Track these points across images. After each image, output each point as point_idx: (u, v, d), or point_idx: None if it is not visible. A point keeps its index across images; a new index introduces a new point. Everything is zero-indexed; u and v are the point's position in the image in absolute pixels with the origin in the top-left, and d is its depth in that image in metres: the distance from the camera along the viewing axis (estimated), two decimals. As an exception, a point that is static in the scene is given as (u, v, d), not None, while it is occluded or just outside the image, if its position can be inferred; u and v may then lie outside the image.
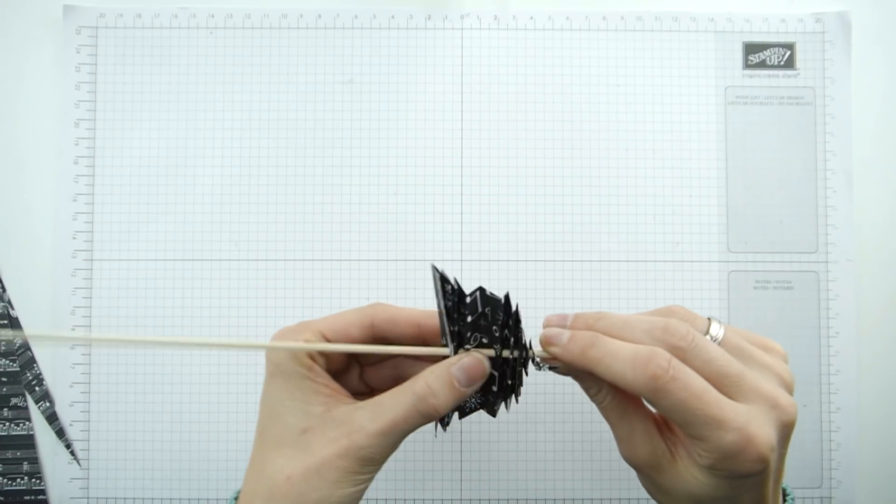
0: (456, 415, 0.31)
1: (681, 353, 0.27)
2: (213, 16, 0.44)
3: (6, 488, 0.43)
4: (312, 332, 0.30)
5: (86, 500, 0.43)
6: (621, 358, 0.27)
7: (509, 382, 0.30)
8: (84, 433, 0.43)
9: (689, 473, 0.28)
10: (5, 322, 0.43)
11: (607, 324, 0.30)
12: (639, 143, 0.44)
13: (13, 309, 0.43)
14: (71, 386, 0.43)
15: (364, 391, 0.34)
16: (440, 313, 0.31)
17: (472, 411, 0.31)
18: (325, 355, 0.31)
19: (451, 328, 0.29)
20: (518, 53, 0.44)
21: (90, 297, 0.43)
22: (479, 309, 0.29)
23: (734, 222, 0.44)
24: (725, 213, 0.44)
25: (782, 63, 0.44)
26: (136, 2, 0.44)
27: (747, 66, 0.44)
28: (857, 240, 0.44)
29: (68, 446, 0.43)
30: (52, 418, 0.43)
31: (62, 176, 0.43)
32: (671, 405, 0.26)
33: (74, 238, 0.43)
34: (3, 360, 0.43)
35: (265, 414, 0.30)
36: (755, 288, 0.44)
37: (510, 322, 0.30)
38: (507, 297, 0.30)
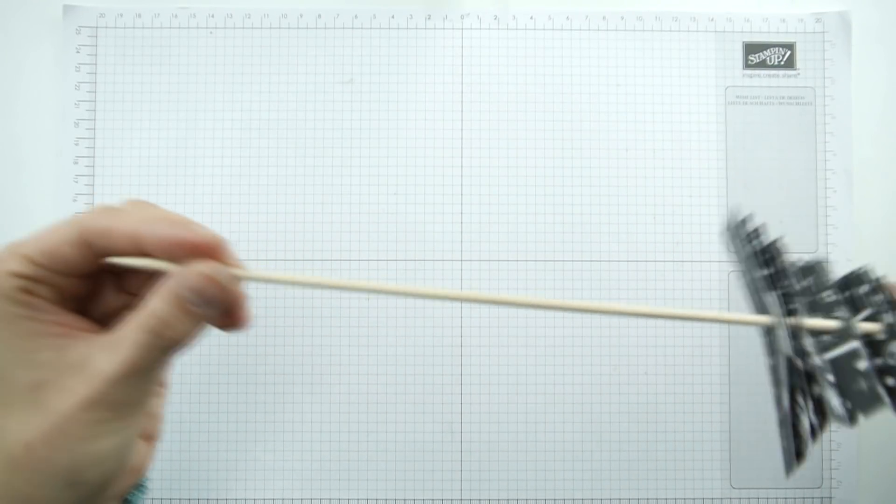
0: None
1: None
2: (213, 16, 0.44)
3: None
4: (17, 258, 0.24)
5: (86, 500, 0.43)
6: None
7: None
8: (84, 433, 0.43)
9: None
10: (5, 322, 0.43)
11: None
12: (639, 143, 0.44)
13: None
14: (71, 386, 0.43)
15: (131, 305, 0.26)
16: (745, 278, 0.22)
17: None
18: (51, 283, 0.25)
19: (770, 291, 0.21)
20: (518, 53, 0.44)
21: (90, 297, 0.43)
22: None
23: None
24: (725, 213, 0.44)
25: (782, 63, 0.44)
26: (136, 2, 0.44)
27: (747, 66, 0.44)
28: (857, 240, 0.44)
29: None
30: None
31: (62, 176, 0.43)
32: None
33: (74, 238, 0.43)
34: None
35: None
36: (755, 288, 0.44)
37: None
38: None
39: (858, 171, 0.44)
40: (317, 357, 0.43)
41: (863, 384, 0.19)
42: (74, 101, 0.44)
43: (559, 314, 0.44)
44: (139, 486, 0.31)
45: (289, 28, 0.44)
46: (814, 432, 0.20)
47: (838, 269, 0.22)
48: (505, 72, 0.44)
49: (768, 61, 0.44)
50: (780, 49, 0.44)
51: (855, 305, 0.21)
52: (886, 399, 0.19)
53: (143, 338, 0.24)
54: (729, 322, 0.22)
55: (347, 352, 0.43)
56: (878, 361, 0.20)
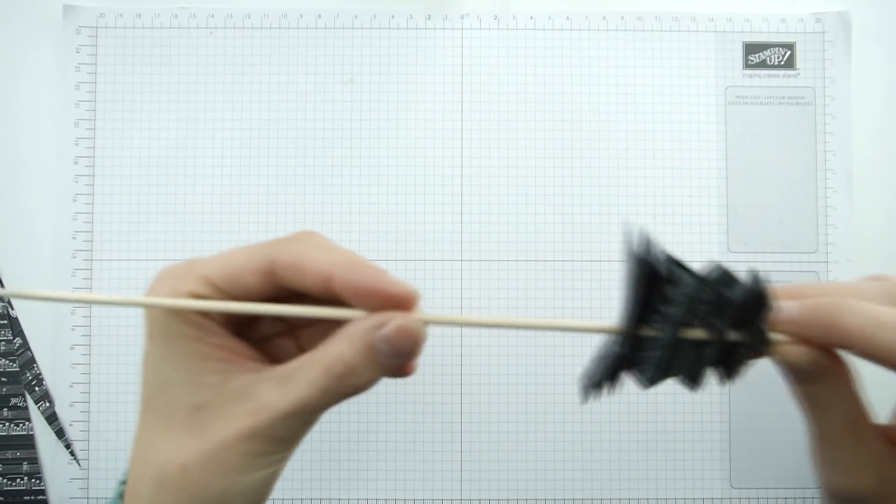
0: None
1: None
2: (213, 16, 0.44)
3: (6, 488, 0.43)
4: (197, 278, 0.23)
5: (86, 501, 0.43)
6: (891, 326, 0.20)
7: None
8: (84, 433, 0.43)
9: None
10: (5, 322, 0.43)
11: (832, 291, 0.23)
12: (639, 143, 0.44)
13: (13, 309, 0.43)
14: (71, 386, 0.43)
15: (285, 332, 0.27)
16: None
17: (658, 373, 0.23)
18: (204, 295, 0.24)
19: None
20: (518, 53, 0.44)
21: (90, 297, 0.43)
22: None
23: (734, 222, 0.44)
24: (725, 213, 0.44)
25: (782, 63, 0.44)
26: (136, 2, 0.44)
27: (747, 66, 0.44)
28: (857, 240, 0.44)
29: (68, 446, 0.43)
30: (51, 418, 0.43)
31: (62, 176, 0.43)
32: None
33: (74, 238, 0.43)
34: (3, 360, 0.43)
35: (148, 386, 0.24)
36: (755, 288, 0.44)
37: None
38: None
39: (858, 171, 0.44)
40: (317, 357, 0.43)
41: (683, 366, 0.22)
42: (74, 101, 0.44)
43: (562, 316, 0.44)
44: None
45: (289, 28, 0.44)
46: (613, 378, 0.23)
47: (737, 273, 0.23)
48: (505, 72, 0.44)
49: (768, 61, 0.44)
50: (780, 49, 0.44)
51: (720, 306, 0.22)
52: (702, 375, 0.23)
53: (323, 380, 0.23)
54: (569, 330, 0.24)
55: (347, 352, 0.43)
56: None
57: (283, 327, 0.27)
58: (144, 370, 0.24)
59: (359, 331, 0.23)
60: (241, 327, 0.26)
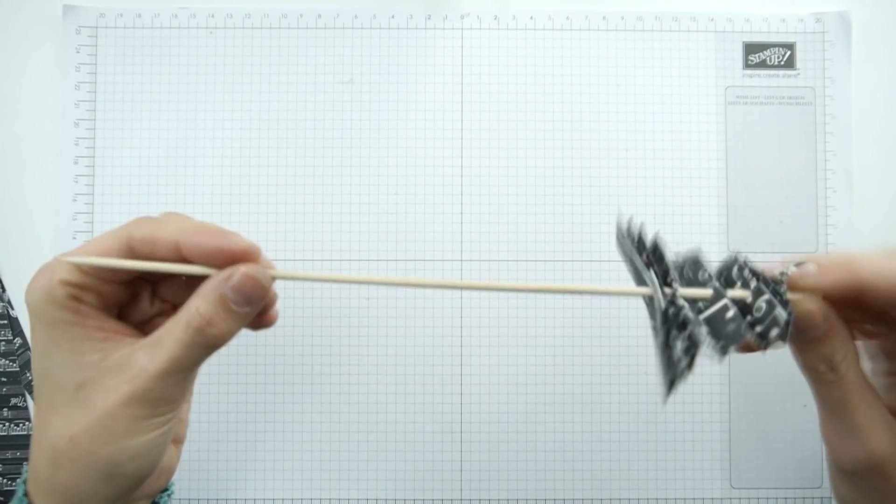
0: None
1: None
2: (213, 16, 0.44)
3: (6, 488, 0.43)
4: (66, 267, 0.26)
5: (86, 500, 0.43)
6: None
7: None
8: (84, 433, 0.43)
9: None
10: (5, 322, 0.43)
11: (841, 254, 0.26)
12: (639, 144, 0.44)
13: (13, 309, 0.43)
14: (71, 386, 0.43)
15: (164, 312, 0.30)
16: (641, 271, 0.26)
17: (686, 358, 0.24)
18: (95, 290, 0.26)
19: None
20: (518, 53, 0.44)
21: (90, 297, 0.43)
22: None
23: (734, 222, 0.44)
24: (725, 213, 0.44)
25: (782, 63, 0.44)
26: (136, 2, 0.44)
27: (747, 66, 0.44)
28: (857, 240, 0.44)
29: (68, 446, 0.43)
30: (52, 418, 0.43)
31: (62, 176, 0.43)
32: None
33: (74, 238, 0.43)
34: (3, 360, 0.43)
35: (36, 371, 0.26)
36: (755, 288, 0.44)
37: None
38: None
39: (858, 171, 0.44)
40: (317, 357, 0.43)
41: (731, 326, 0.24)
42: (74, 101, 0.44)
43: (562, 315, 0.44)
44: (167, 490, 0.32)
45: (289, 28, 0.44)
46: (689, 364, 0.24)
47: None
48: (505, 72, 0.44)
49: (768, 61, 0.44)
50: (780, 49, 0.44)
51: (728, 284, 0.25)
52: (751, 334, 0.24)
53: (186, 336, 0.25)
54: (610, 294, 0.26)
55: (347, 351, 0.43)
56: (748, 318, 0.24)
57: (163, 307, 0.29)
58: (32, 360, 0.26)
59: (210, 285, 0.25)
60: (120, 311, 0.28)
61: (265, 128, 0.44)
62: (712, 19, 0.45)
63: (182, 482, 0.43)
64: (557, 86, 0.44)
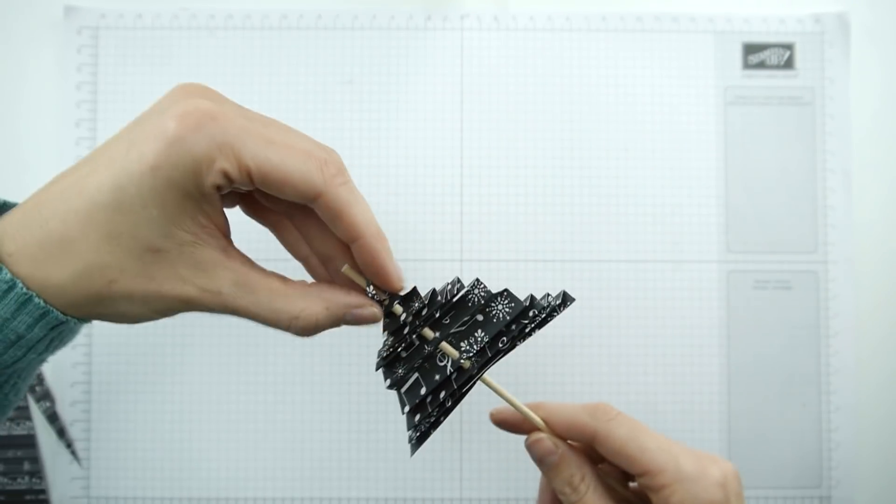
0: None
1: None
2: (213, 16, 0.44)
3: (7, 488, 0.43)
4: (235, 158, 0.25)
5: (86, 500, 0.43)
6: (568, 406, 0.31)
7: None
8: (85, 433, 0.43)
9: None
10: (6, 322, 0.43)
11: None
12: (638, 143, 0.44)
13: (14, 309, 0.43)
14: (71, 385, 0.43)
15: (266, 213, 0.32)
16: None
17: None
18: (232, 194, 0.27)
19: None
20: (518, 54, 0.44)
21: (91, 297, 0.43)
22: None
23: (733, 222, 0.44)
24: (724, 213, 0.44)
25: (781, 63, 0.45)
26: (137, 2, 0.44)
27: (746, 66, 0.45)
28: (855, 239, 0.44)
29: (69, 446, 0.43)
30: (52, 418, 0.43)
31: (63, 176, 0.44)
32: (620, 437, 0.28)
33: (75, 238, 0.43)
34: (4, 359, 0.43)
35: (119, 201, 0.24)
36: (754, 288, 0.44)
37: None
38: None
39: (857, 172, 0.44)
40: (316, 357, 0.43)
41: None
42: (75, 102, 0.44)
43: (561, 315, 0.44)
44: None
45: (289, 28, 0.44)
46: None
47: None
48: (505, 72, 0.44)
49: (767, 62, 0.45)
50: (780, 49, 0.45)
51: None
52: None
53: (274, 316, 0.26)
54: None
55: (347, 351, 0.43)
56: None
57: (284, 207, 0.30)
58: (126, 158, 0.24)
59: (340, 305, 0.27)
60: (240, 197, 0.29)
61: (265, 128, 0.44)
62: (711, 20, 0.45)
63: (182, 482, 0.43)
64: (557, 86, 0.44)
